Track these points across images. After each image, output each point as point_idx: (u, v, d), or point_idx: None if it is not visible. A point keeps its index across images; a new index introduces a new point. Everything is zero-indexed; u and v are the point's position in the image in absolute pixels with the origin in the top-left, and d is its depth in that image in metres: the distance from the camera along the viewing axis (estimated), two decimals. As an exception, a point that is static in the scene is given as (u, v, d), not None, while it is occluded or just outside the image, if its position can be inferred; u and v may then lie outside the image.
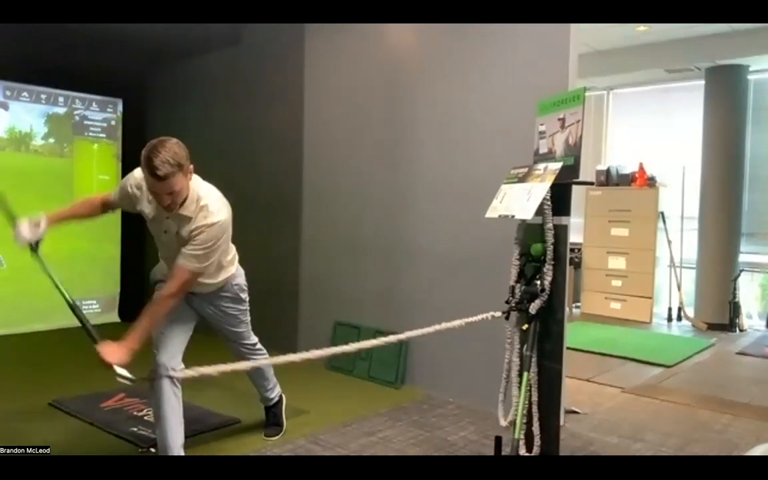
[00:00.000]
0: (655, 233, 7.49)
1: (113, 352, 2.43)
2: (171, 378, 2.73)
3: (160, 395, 2.74)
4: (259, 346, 3.28)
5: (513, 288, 2.85)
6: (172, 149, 2.44)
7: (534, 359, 2.76)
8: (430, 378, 4.31)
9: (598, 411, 4.11)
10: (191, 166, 2.56)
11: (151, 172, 2.42)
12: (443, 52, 4.30)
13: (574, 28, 3.70)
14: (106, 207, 2.90)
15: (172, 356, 2.75)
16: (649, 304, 7.48)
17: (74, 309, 2.60)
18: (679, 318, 7.49)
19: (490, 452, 3.06)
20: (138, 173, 2.67)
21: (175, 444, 2.77)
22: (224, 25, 5.39)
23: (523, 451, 2.74)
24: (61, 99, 6.25)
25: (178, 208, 2.58)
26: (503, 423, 2.89)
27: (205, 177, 2.76)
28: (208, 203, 2.62)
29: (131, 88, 6.64)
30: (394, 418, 3.79)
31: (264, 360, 3.24)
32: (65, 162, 6.29)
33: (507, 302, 2.85)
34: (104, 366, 2.42)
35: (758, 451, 2.51)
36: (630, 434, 3.70)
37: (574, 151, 2.73)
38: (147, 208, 2.71)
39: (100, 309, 6.44)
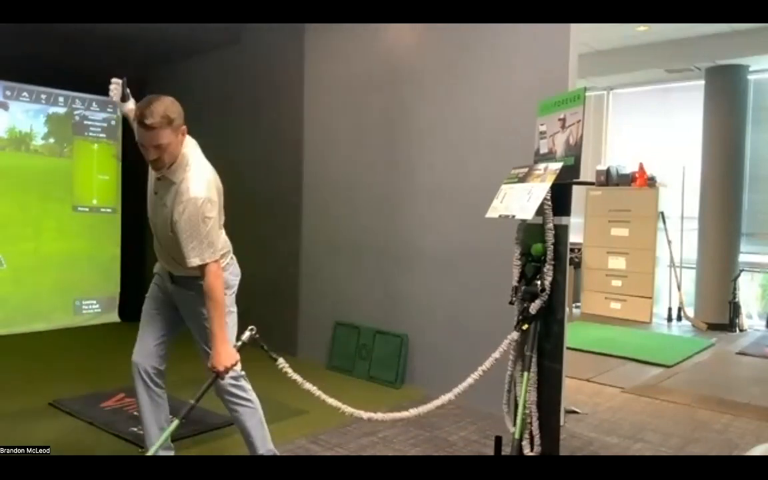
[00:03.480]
0: (655, 233, 7.50)
1: (226, 355, 2.48)
2: (143, 379, 2.72)
3: (137, 396, 2.76)
4: (243, 387, 2.74)
5: (516, 288, 2.84)
6: (164, 103, 2.43)
7: (534, 359, 2.76)
8: (430, 378, 4.31)
9: (598, 411, 4.11)
10: (184, 127, 2.51)
11: (140, 120, 2.41)
12: (443, 52, 4.30)
13: (574, 28, 3.70)
14: None
15: (147, 355, 2.73)
16: (649, 304, 7.49)
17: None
18: (679, 318, 7.49)
19: (490, 452, 3.06)
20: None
21: (150, 444, 2.75)
22: (224, 26, 5.39)
23: (524, 451, 2.74)
24: (61, 99, 6.25)
25: (166, 169, 2.50)
26: (513, 429, 2.84)
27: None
28: (192, 176, 2.51)
29: (131, 88, 6.63)
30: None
31: (246, 410, 2.75)
32: (65, 162, 6.30)
33: (511, 303, 2.85)
34: (227, 370, 2.50)
35: (758, 451, 2.51)
36: (630, 434, 3.70)
37: (574, 151, 2.73)
38: (149, 182, 2.67)
39: (100, 309, 6.44)
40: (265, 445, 2.80)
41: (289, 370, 2.63)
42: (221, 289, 2.53)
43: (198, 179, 2.51)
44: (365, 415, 2.77)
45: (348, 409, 2.73)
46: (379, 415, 2.82)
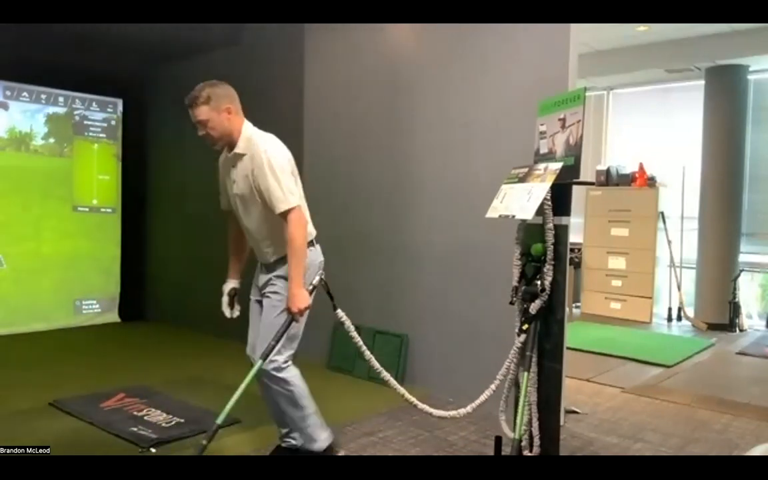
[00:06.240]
0: (655, 233, 7.50)
1: (300, 298, 2.67)
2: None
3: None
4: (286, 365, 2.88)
5: (516, 288, 2.84)
6: (205, 85, 2.69)
7: (534, 359, 2.76)
8: (430, 378, 4.31)
9: (598, 411, 4.11)
10: (229, 107, 2.74)
11: (186, 104, 2.69)
12: (443, 53, 4.30)
13: (574, 28, 3.70)
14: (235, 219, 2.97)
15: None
16: (649, 304, 7.48)
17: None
18: (679, 318, 7.49)
19: (490, 452, 3.06)
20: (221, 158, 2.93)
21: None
22: (225, 25, 5.39)
23: (524, 451, 2.73)
24: (61, 99, 6.25)
25: (227, 147, 2.79)
26: (512, 435, 2.78)
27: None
28: (257, 140, 2.79)
29: (131, 88, 6.64)
30: (394, 418, 3.79)
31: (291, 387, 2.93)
32: (65, 162, 6.30)
33: (511, 303, 2.85)
34: (302, 312, 2.69)
35: (758, 451, 2.51)
36: (630, 434, 3.70)
37: (574, 151, 2.73)
38: (223, 174, 2.91)
39: (100, 309, 6.42)
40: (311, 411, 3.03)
41: (347, 321, 2.93)
42: (302, 237, 2.72)
43: (264, 139, 2.80)
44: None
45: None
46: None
